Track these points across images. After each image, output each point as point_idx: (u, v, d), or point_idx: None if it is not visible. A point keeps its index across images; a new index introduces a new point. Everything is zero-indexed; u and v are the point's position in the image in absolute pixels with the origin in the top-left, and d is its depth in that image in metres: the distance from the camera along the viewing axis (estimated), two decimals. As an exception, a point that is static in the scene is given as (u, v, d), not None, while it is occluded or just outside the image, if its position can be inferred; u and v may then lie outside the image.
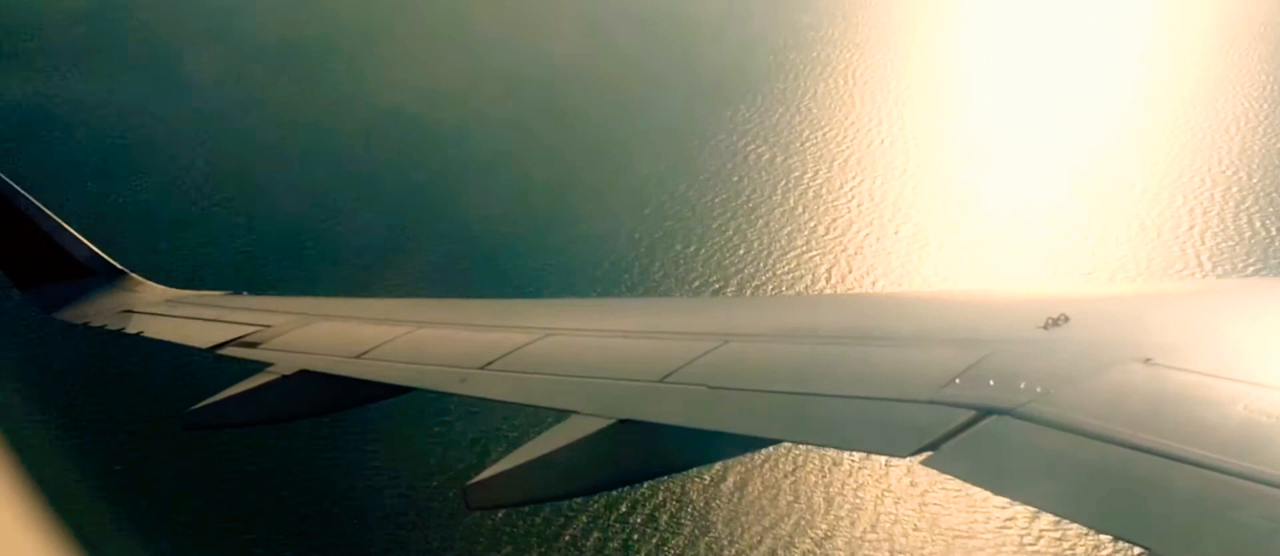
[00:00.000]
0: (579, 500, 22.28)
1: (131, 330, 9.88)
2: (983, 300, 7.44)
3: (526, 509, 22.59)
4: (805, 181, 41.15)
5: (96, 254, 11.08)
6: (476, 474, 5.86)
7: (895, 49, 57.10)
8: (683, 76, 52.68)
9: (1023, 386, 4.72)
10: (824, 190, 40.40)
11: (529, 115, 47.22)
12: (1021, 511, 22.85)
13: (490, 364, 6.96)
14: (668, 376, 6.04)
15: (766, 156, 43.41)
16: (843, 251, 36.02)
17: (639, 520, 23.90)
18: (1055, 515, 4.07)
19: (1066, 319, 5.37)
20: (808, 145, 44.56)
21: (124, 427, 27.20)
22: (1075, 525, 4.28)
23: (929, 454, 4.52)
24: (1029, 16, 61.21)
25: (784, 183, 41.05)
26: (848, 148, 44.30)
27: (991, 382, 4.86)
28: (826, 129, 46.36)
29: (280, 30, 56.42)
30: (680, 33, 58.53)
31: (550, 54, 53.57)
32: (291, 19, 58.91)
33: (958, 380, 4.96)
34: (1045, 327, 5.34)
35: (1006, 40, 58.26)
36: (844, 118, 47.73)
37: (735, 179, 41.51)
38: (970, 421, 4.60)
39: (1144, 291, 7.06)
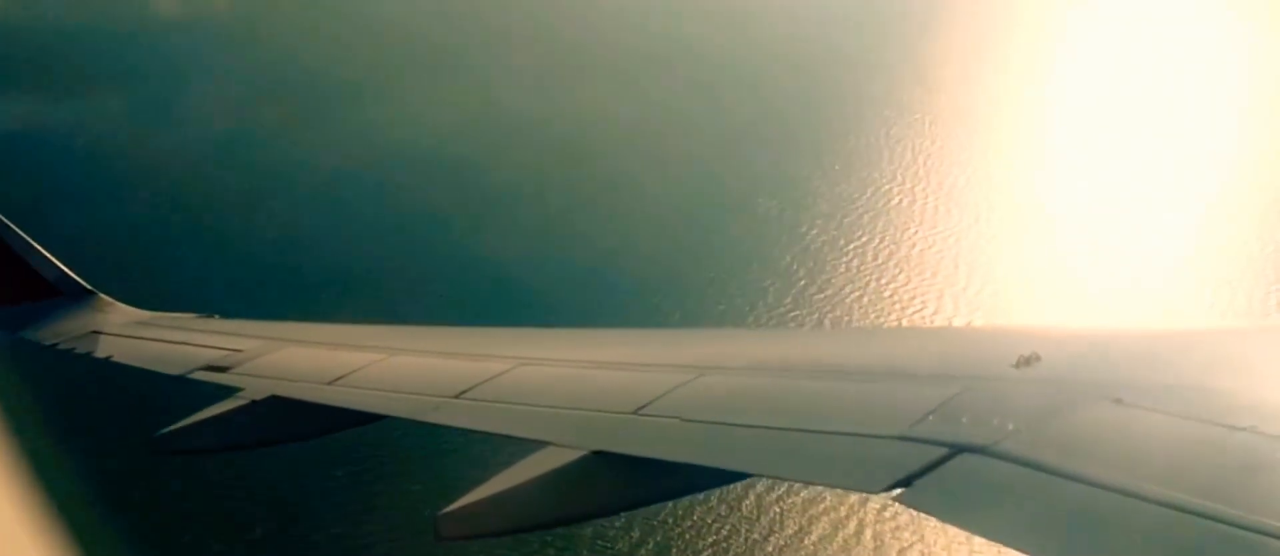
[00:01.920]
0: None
1: (99, 353, 9.75)
2: (955, 337, 7.49)
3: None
4: (807, 237, 39.98)
5: (65, 273, 10.95)
6: (447, 504, 5.80)
7: (940, 111, 54.84)
8: (705, 124, 51.17)
9: (995, 424, 4.74)
10: (825, 249, 39.26)
11: (534, 152, 46.59)
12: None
13: (464, 392, 6.91)
14: (642, 408, 6.02)
15: (774, 210, 42.09)
16: (829, 312, 35.34)
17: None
18: (1024, 553, 4.08)
19: (1038, 357, 5.41)
20: (819, 200, 43.19)
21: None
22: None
23: (902, 490, 4.53)
24: (1085, 87, 58.69)
25: (784, 237, 39.78)
26: (860, 206, 43.00)
27: (964, 420, 4.88)
28: (843, 185, 44.96)
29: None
30: (712, 80, 56.83)
31: (573, 93, 52.96)
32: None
33: (930, 417, 4.98)
34: (1017, 366, 5.38)
35: (1059, 112, 55.34)
36: (865, 175, 46.24)
37: (733, 231, 40.31)
38: (942, 458, 4.61)
39: (1115, 331, 7.13)
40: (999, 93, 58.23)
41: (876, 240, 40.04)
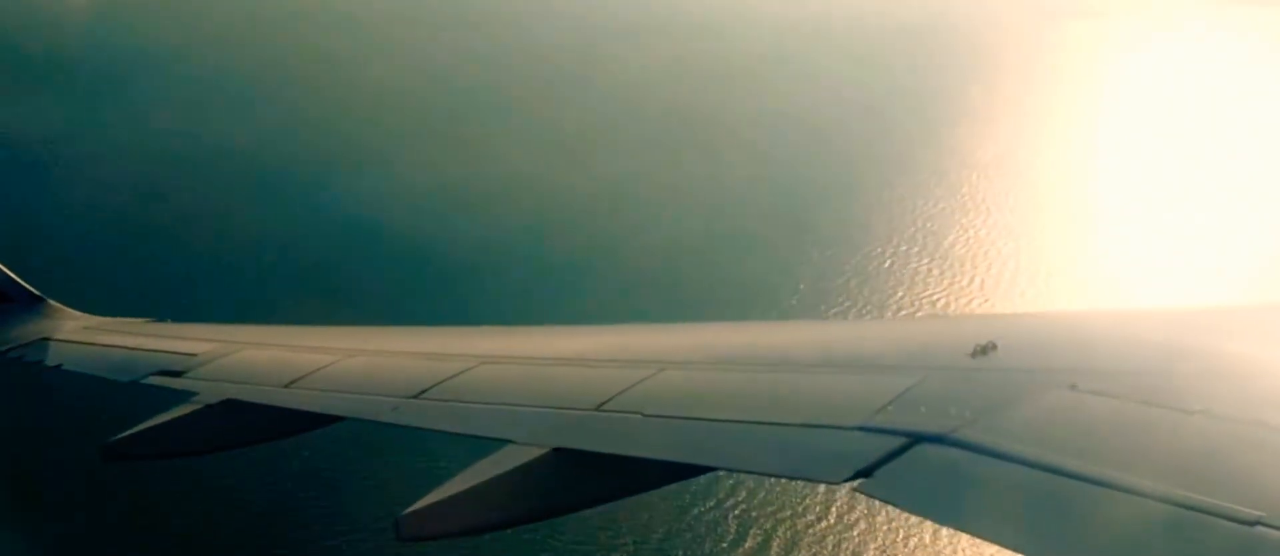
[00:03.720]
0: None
1: (50, 359, 9.57)
2: (913, 328, 7.56)
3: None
4: (785, 304, 36.85)
5: (14, 280, 10.76)
6: (409, 504, 5.76)
7: (946, 173, 51.51)
8: (696, 187, 48.11)
9: (953, 413, 4.80)
10: (801, 317, 35.77)
11: (514, 208, 43.96)
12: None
13: (423, 392, 6.87)
14: (603, 405, 6.02)
15: (758, 274, 38.84)
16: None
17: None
18: (984, 540, 4.14)
19: (994, 346, 5.48)
20: (804, 265, 39.77)
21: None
22: (1003, 550, 4.33)
23: (863, 480, 4.57)
24: (1096, 150, 56.17)
25: (762, 303, 36.83)
26: (847, 270, 40.05)
27: (922, 409, 4.93)
28: (833, 249, 41.67)
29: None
30: (709, 145, 53.94)
31: (559, 154, 51.15)
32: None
33: (889, 407, 5.03)
34: (974, 355, 5.44)
35: (1068, 176, 52.31)
36: (856, 238, 43.02)
37: (710, 299, 36.72)
38: (902, 448, 4.65)
39: (1069, 317, 7.23)
40: (1009, 154, 56.02)
41: (858, 307, 37.36)
